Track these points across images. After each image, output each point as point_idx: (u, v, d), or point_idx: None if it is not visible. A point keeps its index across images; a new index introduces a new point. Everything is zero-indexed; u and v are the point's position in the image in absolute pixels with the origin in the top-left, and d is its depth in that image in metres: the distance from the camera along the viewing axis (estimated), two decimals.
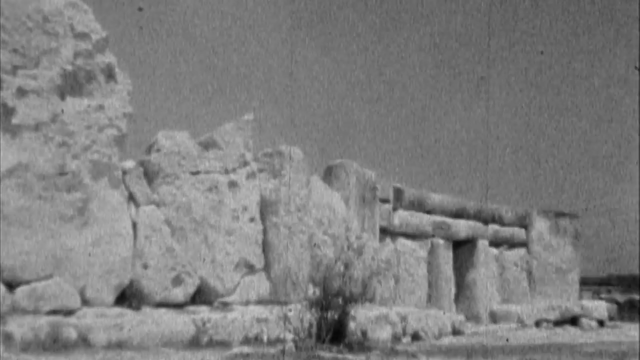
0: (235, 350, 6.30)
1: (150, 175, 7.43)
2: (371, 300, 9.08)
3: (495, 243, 14.13)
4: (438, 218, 12.62)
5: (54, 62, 6.77)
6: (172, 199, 7.44)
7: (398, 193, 11.75)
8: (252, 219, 8.13)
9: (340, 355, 6.01)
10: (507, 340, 9.33)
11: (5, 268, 6.10)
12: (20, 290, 6.17)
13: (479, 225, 13.57)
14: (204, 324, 6.68)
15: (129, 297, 7.02)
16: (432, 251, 12.44)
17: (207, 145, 7.87)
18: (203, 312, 7.14)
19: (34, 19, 6.75)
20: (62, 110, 6.69)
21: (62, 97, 6.75)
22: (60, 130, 6.63)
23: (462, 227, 13.08)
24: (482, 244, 13.50)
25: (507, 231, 14.43)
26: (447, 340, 9.16)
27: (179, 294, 7.36)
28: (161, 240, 7.24)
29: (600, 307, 14.62)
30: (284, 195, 8.43)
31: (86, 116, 6.85)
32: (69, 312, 6.36)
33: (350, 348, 6.41)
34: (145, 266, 7.05)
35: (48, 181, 6.45)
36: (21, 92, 6.47)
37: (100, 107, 6.95)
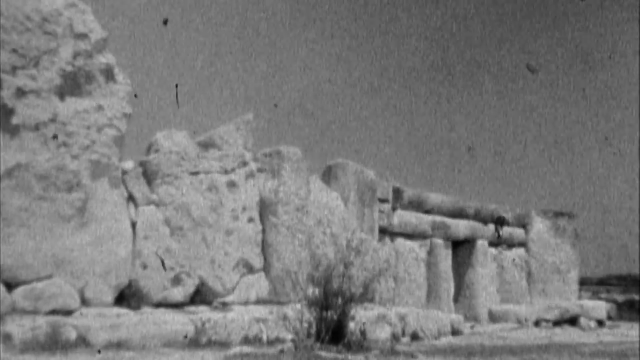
0: (235, 350, 6.29)
1: (149, 176, 7.43)
2: (371, 300, 9.08)
3: (495, 243, 14.14)
4: (437, 218, 12.63)
5: (53, 62, 6.77)
6: (171, 199, 7.43)
7: (397, 193, 11.76)
8: (251, 219, 8.14)
9: (339, 355, 6.01)
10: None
11: (4, 268, 6.10)
12: (20, 290, 6.17)
13: (478, 225, 13.58)
14: (203, 324, 6.68)
15: (128, 297, 7.02)
16: (431, 251, 12.44)
17: (206, 146, 7.88)
18: (202, 312, 7.14)
19: (33, 19, 6.76)
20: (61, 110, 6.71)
21: (62, 97, 6.76)
22: (60, 130, 6.63)
23: (461, 227, 13.09)
24: (481, 244, 13.50)
25: (506, 231, 14.44)
26: (446, 340, 9.16)
27: (178, 293, 7.36)
28: (160, 240, 7.24)
29: (599, 307, 14.63)
30: (283, 195, 8.44)
31: (85, 116, 6.85)
32: (68, 312, 6.36)
33: (349, 348, 6.40)
34: (144, 266, 7.05)
35: (47, 181, 6.45)
36: (20, 93, 6.48)
37: (100, 108, 6.96)
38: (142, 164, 7.45)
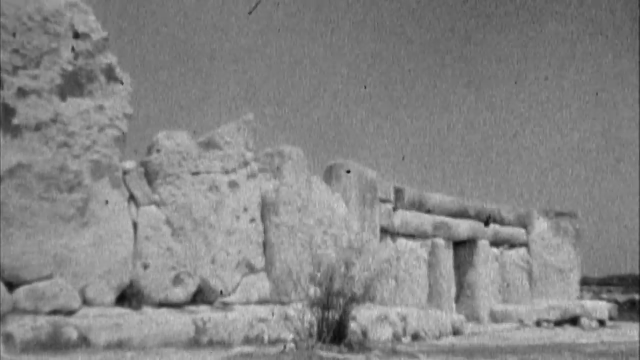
0: (236, 350, 6.29)
1: (150, 176, 7.43)
2: (372, 300, 9.08)
3: (496, 243, 14.13)
4: (438, 218, 12.62)
5: (55, 62, 6.76)
6: (172, 199, 7.43)
7: (398, 193, 11.75)
8: (252, 219, 8.13)
9: (340, 355, 6.01)
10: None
11: (5, 268, 6.10)
12: (21, 290, 6.17)
13: (479, 225, 13.57)
14: (205, 323, 6.68)
15: (129, 297, 7.02)
16: (432, 251, 12.43)
17: (207, 146, 7.87)
18: (203, 312, 7.14)
19: (34, 19, 6.76)
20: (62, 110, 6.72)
21: (63, 97, 6.75)
22: (61, 130, 6.63)
23: (462, 227, 13.07)
24: (483, 244, 13.49)
25: (507, 231, 14.42)
26: (448, 341, 9.15)
27: (180, 293, 7.36)
28: (161, 240, 7.24)
29: (600, 307, 14.62)
30: (285, 195, 8.43)
31: (86, 116, 6.84)
32: (69, 312, 6.35)
33: (350, 348, 6.40)
34: (145, 266, 7.05)
35: (49, 181, 6.45)
36: (22, 93, 6.47)
37: (101, 108, 6.95)
38: (143, 164, 7.44)
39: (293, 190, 8.53)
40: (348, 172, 9.20)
